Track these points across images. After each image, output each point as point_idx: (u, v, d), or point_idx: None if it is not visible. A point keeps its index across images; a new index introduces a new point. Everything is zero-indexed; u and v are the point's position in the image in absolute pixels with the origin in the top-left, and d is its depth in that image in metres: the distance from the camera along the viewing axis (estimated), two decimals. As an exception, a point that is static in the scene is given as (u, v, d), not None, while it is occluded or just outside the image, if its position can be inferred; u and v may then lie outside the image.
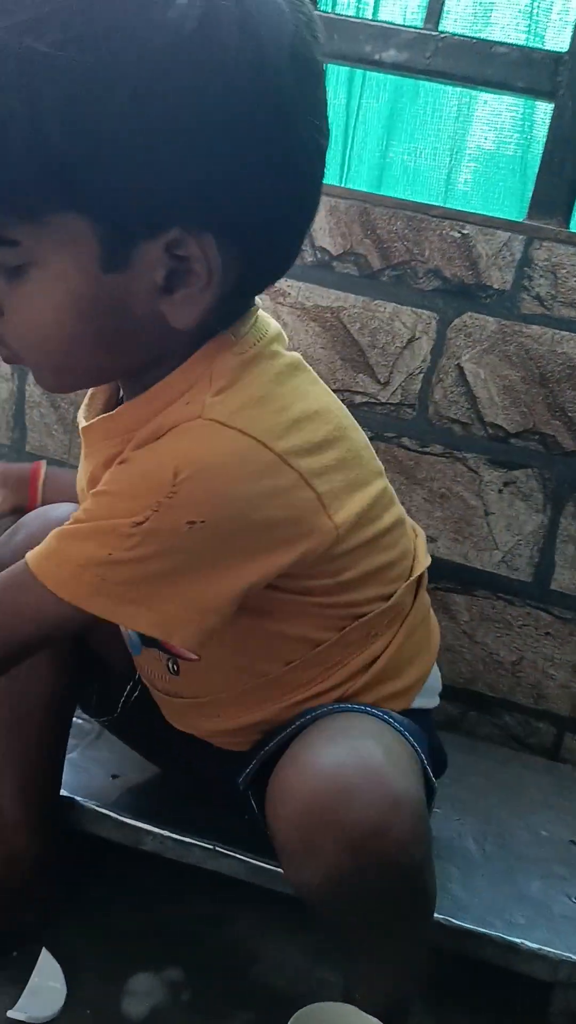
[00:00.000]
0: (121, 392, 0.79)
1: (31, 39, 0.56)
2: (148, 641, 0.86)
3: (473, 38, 1.23)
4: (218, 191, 0.62)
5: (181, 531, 0.67)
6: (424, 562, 0.88)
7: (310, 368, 0.78)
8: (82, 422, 0.81)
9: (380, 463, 0.84)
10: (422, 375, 1.25)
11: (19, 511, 1.04)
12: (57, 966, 0.93)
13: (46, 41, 0.56)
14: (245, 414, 0.68)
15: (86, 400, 0.83)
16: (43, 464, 1.06)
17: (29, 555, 0.72)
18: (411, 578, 0.85)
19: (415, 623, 0.87)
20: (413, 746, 0.79)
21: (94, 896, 1.05)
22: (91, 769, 1.06)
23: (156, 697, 0.94)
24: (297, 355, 0.77)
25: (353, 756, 0.72)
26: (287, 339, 0.78)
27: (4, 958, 0.94)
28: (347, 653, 0.82)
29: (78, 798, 0.99)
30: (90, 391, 0.82)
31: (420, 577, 0.87)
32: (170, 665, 0.86)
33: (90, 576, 0.69)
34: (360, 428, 0.81)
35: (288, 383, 0.73)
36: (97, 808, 0.99)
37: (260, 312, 0.76)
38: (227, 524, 0.68)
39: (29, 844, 0.96)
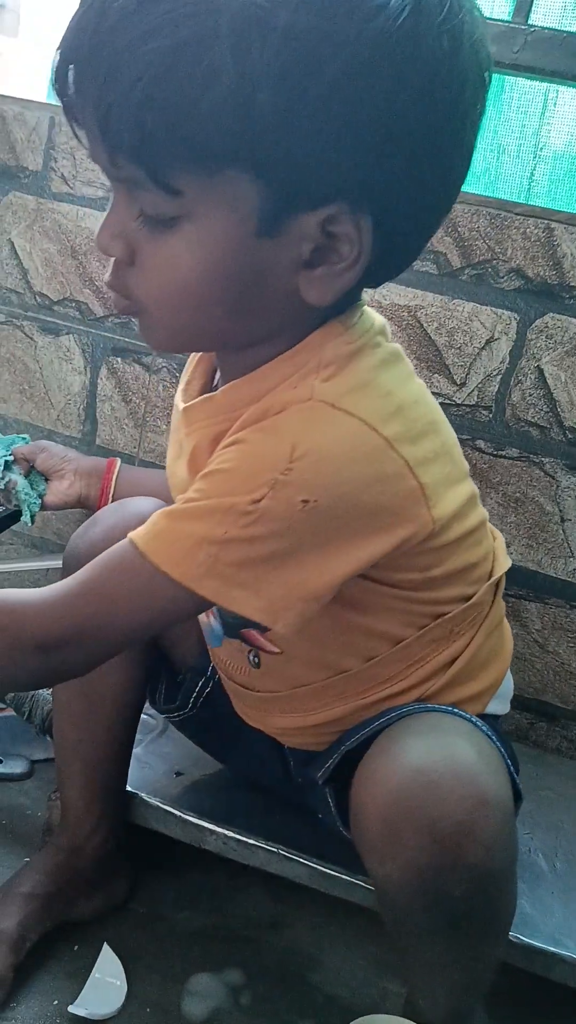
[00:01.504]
0: (218, 375, 0.79)
1: None
2: (231, 632, 0.85)
3: (563, 32, 1.20)
4: (390, 179, 0.63)
5: (295, 510, 0.66)
6: (504, 564, 0.86)
7: (407, 360, 0.77)
8: (180, 405, 0.80)
9: (467, 463, 0.82)
10: (500, 377, 1.23)
11: (86, 502, 1.05)
12: (118, 962, 0.93)
13: None
14: (354, 398, 0.68)
15: (182, 386, 0.82)
16: (118, 460, 1.07)
17: (135, 536, 0.70)
18: (492, 579, 0.84)
19: (492, 626, 0.86)
20: (499, 749, 0.77)
21: (153, 893, 1.04)
22: (155, 765, 1.06)
23: (231, 689, 0.93)
24: (397, 346, 0.76)
25: (444, 752, 0.70)
26: (390, 332, 0.77)
27: (66, 952, 0.94)
28: (429, 651, 0.81)
29: (142, 794, 0.99)
30: (187, 376, 0.82)
31: (499, 579, 0.85)
32: (251, 658, 0.85)
33: (204, 556, 0.67)
34: (451, 426, 0.80)
35: (391, 371, 0.73)
36: (161, 805, 0.98)
37: (366, 306, 0.75)
38: (337, 505, 0.67)
39: (94, 834, 0.97)
